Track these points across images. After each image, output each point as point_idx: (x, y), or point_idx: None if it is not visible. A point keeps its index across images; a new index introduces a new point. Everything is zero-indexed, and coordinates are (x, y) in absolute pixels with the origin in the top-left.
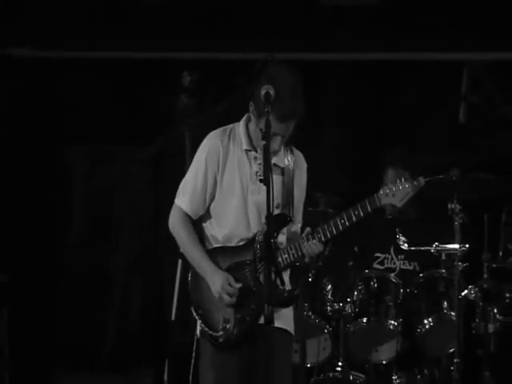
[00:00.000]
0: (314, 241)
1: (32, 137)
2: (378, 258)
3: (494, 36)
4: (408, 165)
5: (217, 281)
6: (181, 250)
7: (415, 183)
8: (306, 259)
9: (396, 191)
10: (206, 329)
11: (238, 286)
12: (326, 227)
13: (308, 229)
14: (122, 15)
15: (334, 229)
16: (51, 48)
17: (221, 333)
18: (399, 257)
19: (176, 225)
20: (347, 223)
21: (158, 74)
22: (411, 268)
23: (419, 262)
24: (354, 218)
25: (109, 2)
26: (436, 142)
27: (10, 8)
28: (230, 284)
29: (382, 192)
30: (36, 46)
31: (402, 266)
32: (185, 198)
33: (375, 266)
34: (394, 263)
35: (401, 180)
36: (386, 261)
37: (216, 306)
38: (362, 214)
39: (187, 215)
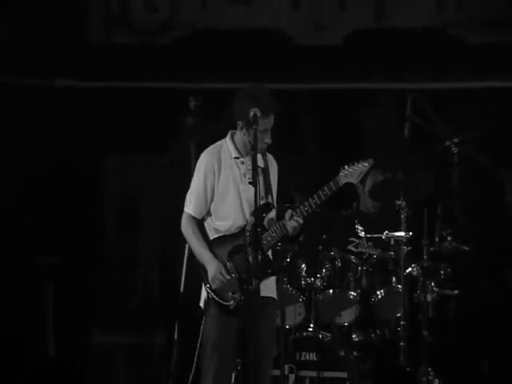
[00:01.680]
0: (295, 218)
1: (76, 151)
2: (353, 242)
3: (430, 71)
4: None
5: (211, 269)
6: (188, 244)
7: (366, 164)
8: (290, 233)
9: (352, 172)
10: (218, 299)
11: (228, 278)
12: (303, 207)
13: (290, 211)
14: (143, 55)
15: (309, 208)
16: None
17: (232, 302)
18: (369, 243)
19: (185, 227)
20: (318, 202)
21: (171, 100)
22: (375, 251)
23: (378, 247)
24: (323, 197)
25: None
26: (386, 154)
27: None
28: (219, 272)
29: (341, 174)
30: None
31: (370, 252)
32: (191, 205)
33: (350, 247)
34: (365, 248)
35: (354, 163)
36: (358, 245)
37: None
38: (328, 193)
39: (194, 218)
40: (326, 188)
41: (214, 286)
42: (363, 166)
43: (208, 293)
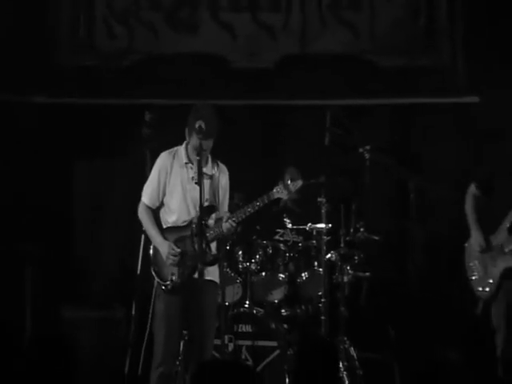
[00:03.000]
0: (230, 221)
1: (51, 156)
2: (279, 232)
3: (347, 89)
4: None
5: (164, 249)
6: (143, 229)
7: (295, 184)
8: (225, 233)
9: (283, 189)
10: (159, 279)
11: (179, 250)
12: (238, 213)
13: (228, 214)
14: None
15: (243, 214)
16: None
17: (168, 282)
18: (291, 231)
19: (141, 213)
20: (252, 210)
21: (130, 113)
22: (299, 240)
23: (303, 236)
24: (256, 207)
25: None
26: (310, 158)
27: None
28: (171, 250)
29: (274, 190)
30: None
31: (295, 240)
32: (146, 196)
33: (276, 237)
34: (291, 237)
35: (286, 182)
36: (284, 235)
37: (165, 265)
38: (261, 204)
39: (148, 207)
40: (260, 200)
41: (168, 263)
42: (293, 186)
43: (153, 274)
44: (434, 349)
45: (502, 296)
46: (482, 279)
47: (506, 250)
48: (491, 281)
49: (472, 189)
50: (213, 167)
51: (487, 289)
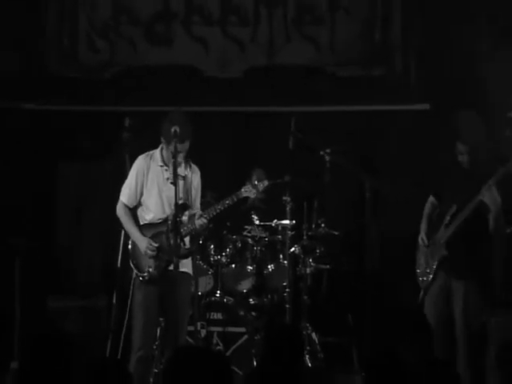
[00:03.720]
0: (202, 218)
1: (37, 158)
2: (247, 228)
3: (309, 97)
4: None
5: (142, 244)
6: (123, 226)
7: (262, 184)
8: (198, 229)
9: (251, 189)
10: (137, 271)
11: (156, 245)
12: (209, 211)
13: (199, 212)
14: (90, 86)
15: (214, 211)
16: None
17: (145, 274)
18: (258, 227)
19: (119, 211)
20: (222, 208)
21: (111, 119)
22: (266, 235)
23: (269, 232)
24: (225, 205)
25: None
26: (276, 160)
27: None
28: (150, 244)
29: (242, 189)
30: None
31: (261, 235)
32: (124, 195)
33: (245, 232)
34: (258, 232)
35: (254, 182)
36: (251, 230)
37: (143, 258)
38: (231, 203)
39: (126, 206)
40: (229, 198)
41: (147, 256)
42: (259, 185)
43: (132, 267)
44: (387, 334)
45: (437, 285)
46: (423, 271)
47: (442, 241)
48: (428, 271)
49: (431, 198)
50: (186, 168)
51: (425, 278)
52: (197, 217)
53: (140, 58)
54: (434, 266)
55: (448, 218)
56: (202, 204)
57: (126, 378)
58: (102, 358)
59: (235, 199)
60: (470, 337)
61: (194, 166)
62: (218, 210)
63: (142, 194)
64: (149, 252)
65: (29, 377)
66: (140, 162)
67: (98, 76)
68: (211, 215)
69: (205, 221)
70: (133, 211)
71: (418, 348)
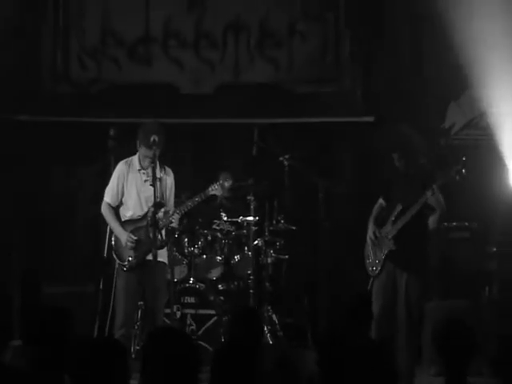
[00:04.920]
0: (176, 214)
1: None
2: (216, 223)
3: (270, 111)
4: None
5: (123, 237)
6: (106, 222)
7: (227, 183)
8: (174, 224)
9: (217, 188)
10: (119, 261)
11: (135, 238)
12: (182, 207)
13: (174, 208)
14: (79, 100)
15: (186, 207)
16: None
17: (126, 263)
18: (226, 223)
19: (104, 210)
20: (192, 205)
21: (98, 129)
22: (233, 229)
23: (235, 227)
24: (195, 202)
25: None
26: (241, 165)
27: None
28: (129, 238)
29: (210, 188)
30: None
31: (228, 229)
32: (108, 196)
33: (214, 227)
34: (223, 226)
35: (219, 182)
36: (220, 225)
37: (124, 249)
38: (200, 200)
39: (110, 205)
40: (198, 196)
41: (128, 248)
42: (224, 184)
43: (115, 258)
44: (338, 314)
45: (384, 274)
46: (373, 261)
47: (389, 236)
48: (377, 261)
49: (380, 200)
50: (161, 171)
51: (374, 268)
52: (171, 213)
53: (124, 75)
54: (383, 257)
55: (394, 216)
56: (175, 203)
57: (124, 353)
58: (104, 336)
59: (203, 197)
60: (410, 318)
61: (168, 168)
62: (189, 207)
63: (122, 195)
64: (129, 244)
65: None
66: (120, 167)
67: (86, 91)
68: (183, 211)
69: (178, 216)
70: (115, 209)
71: (359, 326)
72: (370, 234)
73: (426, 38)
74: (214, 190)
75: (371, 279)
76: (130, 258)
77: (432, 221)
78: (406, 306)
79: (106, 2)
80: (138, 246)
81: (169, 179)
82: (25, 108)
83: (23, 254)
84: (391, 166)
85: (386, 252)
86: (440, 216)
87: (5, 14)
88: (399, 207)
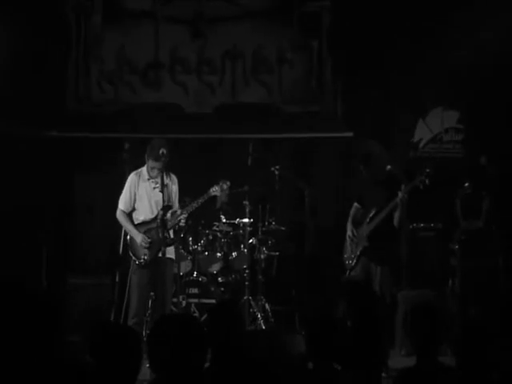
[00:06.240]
0: (183, 214)
1: (58, 172)
2: (216, 224)
3: (264, 127)
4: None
5: (138, 238)
6: (122, 226)
7: (225, 185)
8: (180, 224)
9: (217, 189)
10: (134, 258)
11: (149, 240)
12: (187, 208)
13: (180, 210)
14: (99, 119)
15: (191, 208)
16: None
17: (142, 260)
18: (225, 224)
19: (119, 216)
20: (197, 205)
21: (115, 143)
22: (230, 230)
23: (233, 227)
24: (199, 203)
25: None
26: (238, 174)
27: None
28: (144, 239)
29: (211, 190)
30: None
31: (227, 230)
32: (122, 204)
33: (214, 228)
34: (222, 227)
35: (219, 184)
36: (219, 226)
37: (139, 248)
38: (203, 201)
39: (123, 211)
40: (201, 198)
41: (143, 247)
42: (222, 185)
43: (131, 255)
44: (324, 303)
45: (359, 267)
46: (349, 256)
47: (365, 234)
48: (353, 256)
49: (356, 204)
50: (167, 178)
51: (350, 262)
52: (178, 213)
53: (137, 97)
54: (358, 253)
55: (369, 217)
56: (180, 205)
57: (137, 337)
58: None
59: (206, 197)
60: (383, 305)
61: (173, 175)
62: (194, 207)
63: (135, 201)
64: (143, 244)
65: None
66: (132, 177)
67: (105, 111)
68: (189, 211)
69: (185, 216)
70: (129, 214)
71: (361, 310)
72: (348, 233)
73: (394, 65)
74: (215, 191)
75: (347, 271)
76: (145, 257)
77: (395, 221)
78: (380, 295)
79: (121, 35)
80: (151, 245)
81: (174, 185)
82: (53, 125)
83: (51, 249)
84: (362, 175)
85: (361, 248)
86: (400, 217)
87: (36, 47)
88: (373, 210)
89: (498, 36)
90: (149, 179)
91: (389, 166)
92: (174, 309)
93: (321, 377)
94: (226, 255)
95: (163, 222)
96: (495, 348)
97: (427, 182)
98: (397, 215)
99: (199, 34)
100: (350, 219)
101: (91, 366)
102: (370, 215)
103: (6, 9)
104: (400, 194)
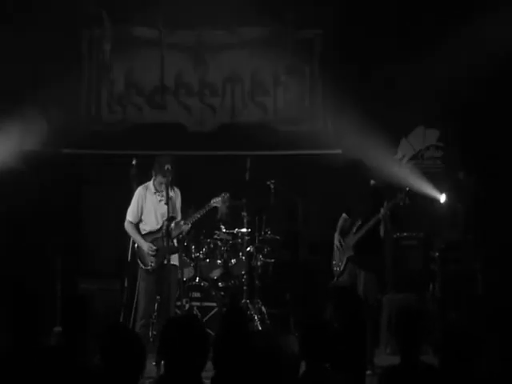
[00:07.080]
0: (186, 224)
1: (71, 185)
2: (217, 233)
3: (261, 144)
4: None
5: (145, 247)
6: (130, 235)
7: (225, 195)
8: (184, 232)
9: (218, 200)
10: (142, 265)
11: (155, 248)
12: (190, 218)
13: (183, 220)
14: (109, 137)
15: (194, 219)
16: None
17: (149, 267)
18: (225, 233)
19: (127, 226)
20: (199, 216)
21: (123, 159)
22: (230, 239)
23: (232, 237)
24: (202, 214)
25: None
26: (237, 187)
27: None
28: (150, 248)
29: (212, 201)
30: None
31: (226, 238)
32: (130, 215)
33: (215, 237)
34: (222, 236)
35: (220, 196)
36: (220, 235)
37: (146, 256)
38: (205, 211)
39: (131, 222)
40: (203, 208)
41: (149, 255)
42: (223, 197)
43: (139, 262)
44: (316, 306)
45: (346, 273)
46: (337, 263)
47: (351, 243)
48: (340, 263)
49: (344, 215)
50: (171, 191)
51: (338, 269)
52: (182, 223)
53: (143, 117)
54: (345, 261)
55: (355, 228)
56: (182, 216)
57: (136, 337)
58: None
59: (208, 208)
60: (369, 309)
61: (176, 189)
62: (197, 218)
63: (142, 213)
64: (150, 252)
65: None
66: (139, 191)
67: (114, 130)
68: (192, 221)
69: (189, 225)
70: (136, 225)
71: (348, 313)
72: (336, 242)
73: (379, 88)
74: (216, 202)
75: (335, 277)
76: (152, 264)
77: (381, 232)
78: (365, 298)
79: (129, 60)
80: (156, 253)
81: (177, 197)
82: (67, 143)
83: (64, 256)
84: (349, 188)
85: (347, 256)
86: (385, 228)
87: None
88: (359, 221)
89: (478, 61)
90: (155, 193)
91: (372, 181)
92: (177, 311)
93: (313, 377)
94: (225, 262)
95: (168, 231)
96: (474, 348)
97: (407, 200)
98: (381, 228)
99: (201, 60)
100: (337, 229)
101: (99, 368)
102: (356, 226)
103: (29, 42)
104: (382, 211)
